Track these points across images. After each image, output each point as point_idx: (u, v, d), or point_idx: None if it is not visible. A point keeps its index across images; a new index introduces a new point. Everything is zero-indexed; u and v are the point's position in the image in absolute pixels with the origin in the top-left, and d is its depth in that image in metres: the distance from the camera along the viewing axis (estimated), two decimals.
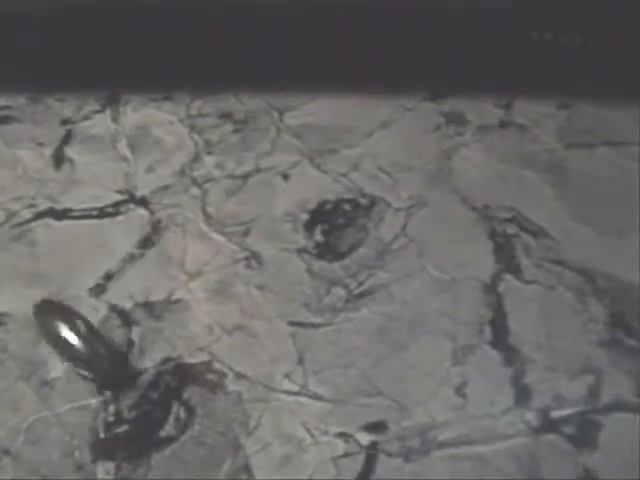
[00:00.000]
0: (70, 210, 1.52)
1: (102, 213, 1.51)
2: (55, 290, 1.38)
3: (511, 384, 1.22)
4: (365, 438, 1.16)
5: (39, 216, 1.52)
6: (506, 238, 1.41)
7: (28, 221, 1.51)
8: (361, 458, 1.14)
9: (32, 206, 1.54)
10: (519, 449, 1.14)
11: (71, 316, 1.26)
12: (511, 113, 1.69)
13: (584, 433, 1.17)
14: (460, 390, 1.21)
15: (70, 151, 1.66)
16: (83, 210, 1.52)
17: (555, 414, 1.18)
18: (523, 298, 1.32)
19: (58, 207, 1.53)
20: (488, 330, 1.28)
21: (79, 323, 1.25)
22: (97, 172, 1.59)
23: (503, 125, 1.66)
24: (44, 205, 1.54)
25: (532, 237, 1.42)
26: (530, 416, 1.18)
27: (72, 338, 1.23)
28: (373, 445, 1.15)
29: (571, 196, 1.50)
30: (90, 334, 1.24)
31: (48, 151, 1.66)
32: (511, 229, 1.43)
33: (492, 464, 1.12)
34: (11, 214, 1.53)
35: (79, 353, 1.23)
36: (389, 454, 1.14)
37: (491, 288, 1.33)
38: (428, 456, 1.13)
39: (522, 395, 1.20)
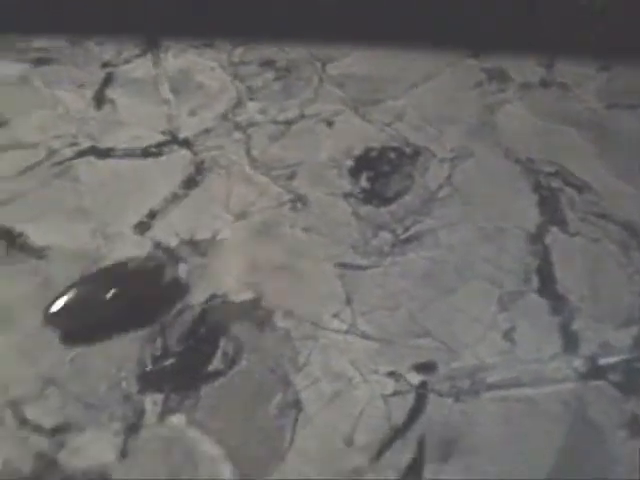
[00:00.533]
0: (112, 149, 1.52)
1: (145, 153, 1.51)
2: (99, 226, 1.38)
3: (558, 331, 1.22)
4: (415, 378, 1.16)
5: (81, 154, 1.52)
6: (551, 191, 1.42)
7: (70, 159, 1.51)
8: (411, 397, 1.15)
9: (74, 144, 1.53)
10: (567, 393, 1.15)
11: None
12: (552, 72, 1.69)
13: (631, 381, 1.17)
14: (508, 335, 1.21)
15: (111, 93, 1.65)
16: (125, 150, 1.52)
17: (602, 361, 1.19)
18: (569, 250, 1.33)
19: (100, 146, 1.52)
20: (535, 278, 1.28)
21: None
22: (139, 114, 1.59)
23: (545, 84, 1.66)
24: (86, 144, 1.53)
25: (576, 191, 1.42)
26: (577, 363, 1.18)
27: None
28: (423, 385, 1.15)
29: (612, 154, 1.51)
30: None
31: (89, 93, 1.65)
32: (555, 183, 1.43)
33: (541, 406, 1.13)
34: (52, 152, 1.52)
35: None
36: (439, 394, 1.14)
37: (537, 238, 1.34)
38: (478, 397, 1.14)
39: (569, 342, 1.21)
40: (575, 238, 1.34)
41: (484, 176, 1.42)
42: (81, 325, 1.22)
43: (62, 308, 1.20)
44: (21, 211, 1.38)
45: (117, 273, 1.25)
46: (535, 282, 1.27)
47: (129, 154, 1.49)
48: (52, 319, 1.19)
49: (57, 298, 1.21)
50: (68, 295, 1.22)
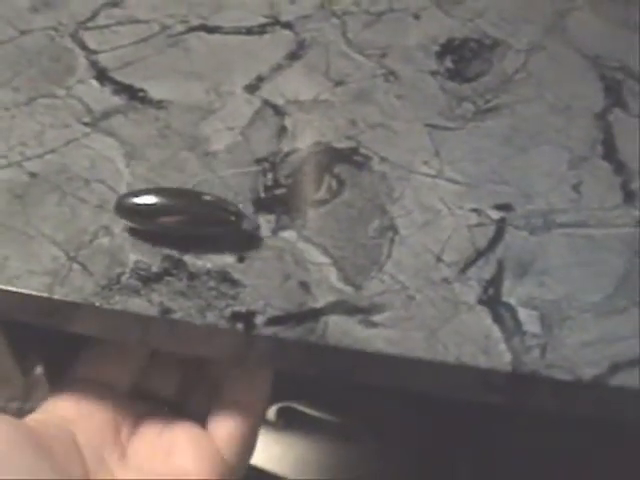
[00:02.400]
0: (221, 27, 1.70)
1: (250, 31, 1.69)
2: (212, 86, 1.56)
3: (620, 188, 1.40)
4: (495, 214, 1.34)
5: (192, 30, 1.70)
6: (615, 82, 1.60)
7: (182, 33, 1.69)
8: (492, 228, 1.33)
9: (184, 22, 1.72)
10: (626, 235, 1.33)
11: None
12: None
13: None
14: (576, 188, 1.39)
15: None
16: (233, 28, 1.70)
17: None
18: (629, 128, 1.51)
19: (209, 24, 1.71)
20: (600, 147, 1.47)
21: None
22: (244, 0, 1.77)
23: None
24: (196, 22, 1.71)
25: (638, 83, 1.60)
26: (637, 213, 1.36)
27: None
28: (502, 220, 1.33)
29: None
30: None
31: None
32: (619, 75, 1.61)
33: (603, 243, 1.31)
34: (165, 27, 1.70)
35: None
36: (516, 227, 1.33)
37: (601, 116, 1.52)
38: (550, 232, 1.32)
39: (629, 197, 1.39)
40: (635, 119, 1.52)
41: (555, 66, 1.60)
42: None
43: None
44: (139, 72, 1.56)
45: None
46: (600, 150, 1.45)
47: (236, 32, 1.67)
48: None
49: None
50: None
